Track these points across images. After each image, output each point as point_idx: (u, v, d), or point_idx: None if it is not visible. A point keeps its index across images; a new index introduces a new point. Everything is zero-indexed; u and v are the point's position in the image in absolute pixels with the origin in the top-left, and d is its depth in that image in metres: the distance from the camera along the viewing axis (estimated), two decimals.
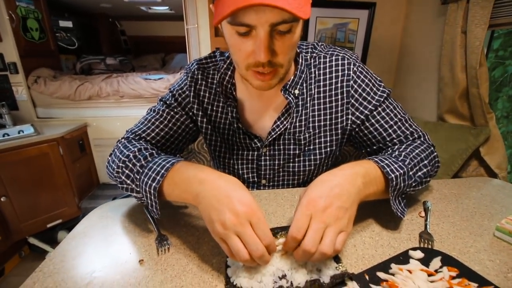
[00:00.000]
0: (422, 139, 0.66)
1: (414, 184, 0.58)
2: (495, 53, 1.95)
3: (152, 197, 0.50)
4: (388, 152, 0.62)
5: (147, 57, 3.76)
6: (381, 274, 0.43)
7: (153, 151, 0.59)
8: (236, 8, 0.43)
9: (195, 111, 0.72)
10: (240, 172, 0.76)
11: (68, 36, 2.66)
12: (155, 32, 4.12)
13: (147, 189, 0.51)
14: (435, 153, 0.66)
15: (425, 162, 0.60)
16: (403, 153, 0.59)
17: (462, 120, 1.27)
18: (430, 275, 0.43)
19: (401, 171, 0.53)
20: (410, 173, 0.56)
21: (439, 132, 1.25)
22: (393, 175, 0.52)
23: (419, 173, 0.58)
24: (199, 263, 0.48)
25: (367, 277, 0.43)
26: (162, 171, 0.51)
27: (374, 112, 0.66)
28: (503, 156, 1.12)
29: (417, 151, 0.60)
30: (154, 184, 0.50)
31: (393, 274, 0.43)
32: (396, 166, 0.54)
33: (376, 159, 0.55)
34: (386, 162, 0.54)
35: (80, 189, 2.08)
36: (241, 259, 0.40)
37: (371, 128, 0.67)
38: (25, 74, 2.08)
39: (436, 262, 0.46)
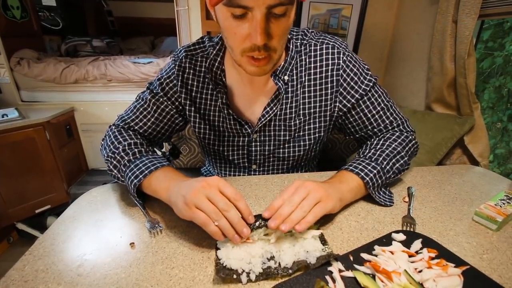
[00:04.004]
0: (401, 127, 0.72)
1: (393, 176, 0.65)
2: (484, 44, 1.97)
3: (132, 191, 0.58)
4: (364, 153, 0.67)
5: (136, 39, 3.63)
6: (364, 255, 0.45)
7: (142, 149, 0.65)
8: None
9: (182, 101, 0.72)
10: (231, 158, 0.77)
11: (52, 16, 2.54)
12: (144, 13, 3.96)
13: (129, 182, 0.58)
14: (414, 140, 0.71)
15: (402, 153, 0.66)
16: (378, 152, 0.65)
17: (449, 109, 1.30)
18: (410, 256, 0.46)
19: (374, 171, 0.61)
20: (387, 167, 0.63)
21: (426, 121, 1.28)
22: (367, 178, 0.59)
23: (397, 165, 0.65)
24: (190, 245, 0.49)
25: (351, 258, 0.45)
26: (146, 171, 0.58)
27: (360, 101, 0.69)
28: (486, 145, 1.16)
29: (394, 144, 0.67)
30: (135, 181, 0.57)
31: (376, 255, 0.45)
32: (369, 167, 0.61)
33: (350, 167, 0.62)
34: (360, 167, 0.61)
35: (69, 175, 2.05)
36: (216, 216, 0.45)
37: (356, 117, 0.71)
38: (7, 56, 1.99)
39: (417, 244, 0.48)
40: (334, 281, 0.41)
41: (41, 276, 0.43)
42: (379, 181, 0.61)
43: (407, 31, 1.74)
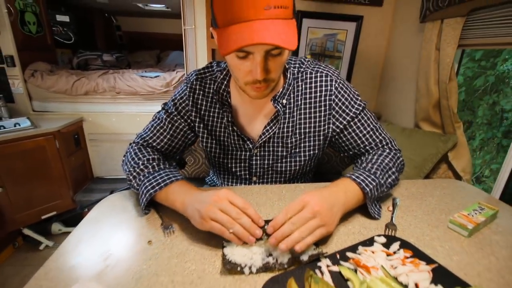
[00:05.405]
0: (389, 145, 0.79)
1: (386, 190, 0.70)
2: (478, 63, 2.09)
3: (144, 199, 0.64)
4: (362, 166, 0.73)
5: (142, 53, 3.78)
6: (349, 254, 0.53)
7: (160, 163, 0.73)
8: (242, 46, 0.52)
9: (193, 118, 0.81)
10: (233, 170, 0.85)
11: (65, 31, 2.68)
12: (150, 28, 4.15)
13: (145, 191, 0.65)
14: (401, 158, 0.78)
15: (393, 169, 0.73)
16: (375, 166, 0.70)
17: (435, 128, 1.40)
18: (389, 255, 0.53)
19: (374, 184, 0.65)
20: (382, 181, 0.68)
21: (414, 137, 1.38)
22: (368, 189, 0.64)
23: (389, 180, 0.71)
24: (200, 244, 0.57)
25: (338, 256, 0.53)
26: (162, 184, 0.65)
27: (351, 123, 0.77)
28: (468, 160, 1.25)
29: (386, 160, 0.73)
30: (151, 191, 0.64)
31: (359, 254, 0.53)
32: (369, 179, 0.66)
33: (353, 177, 0.66)
34: (361, 178, 0.66)
35: (75, 183, 2.12)
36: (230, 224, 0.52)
37: (348, 136, 0.79)
38: (21, 67, 2.10)
39: (395, 246, 0.56)
40: (322, 274, 0.49)
41: (74, 265, 0.51)
42: (375, 194, 0.66)
43: (397, 55, 1.87)
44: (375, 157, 0.74)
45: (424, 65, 1.34)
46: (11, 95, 2.12)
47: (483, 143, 2.20)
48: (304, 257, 0.52)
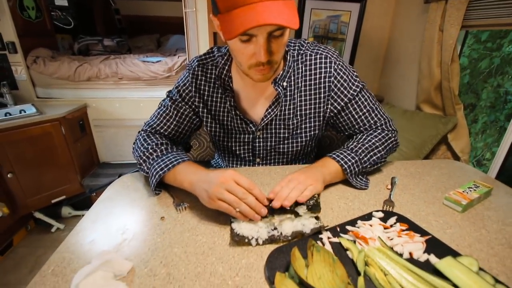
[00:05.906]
0: (384, 126, 0.82)
1: (369, 166, 0.76)
2: (483, 45, 2.05)
3: (154, 180, 0.68)
4: (347, 145, 0.78)
5: (142, 37, 3.73)
6: (349, 227, 0.57)
7: (168, 147, 0.76)
8: (248, 28, 0.53)
9: (196, 103, 0.83)
10: (238, 152, 0.88)
11: (64, 15, 2.65)
12: (150, 11, 4.06)
13: (154, 173, 0.69)
14: (393, 138, 0.81)
15: (380, 148, 0.77)
16: (359, 145, 0.76)
17: (436, 110, 1.41)
18: (386, 228, 0.57)
19: (353, 160, 0.72)
20: (365, 158, 0.74)
21: (415, 120, 1.40)
22: (346, 165, 0.71)
23: (374, 157, 0.76)
24: (210, 219, 0.61)
25: (338, 229, 0.57)
26: (170, 165, 0.68)
27: (348, 104, 0.80)
28: (466, 142, 1.27)
29: (373, 140, 0.78)
30: (160, 172, 0.68)
31: (358, 227, 0.57)
32: (349, 157, 0.73)
33: (333, 156, 0.74)
34: (341, 156, 0.73)
35: (82, 168, 2.17)
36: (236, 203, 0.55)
37: (345, 117, 0.82)
38: (23, 54, 2.09)
39: (392, 220, 0.60)
40: (323, 244, 0.53)
41: (93, 240, 0.55)
42: (356, 169, 0.72)
43: (400, 36, 1.85)
44: (364, 137, 0.79)
45: (427, 46, 1.34)
46: (15, 82, 2.13)
47: (486, 126, 2.21)
48: (307, 230, 0.56)
